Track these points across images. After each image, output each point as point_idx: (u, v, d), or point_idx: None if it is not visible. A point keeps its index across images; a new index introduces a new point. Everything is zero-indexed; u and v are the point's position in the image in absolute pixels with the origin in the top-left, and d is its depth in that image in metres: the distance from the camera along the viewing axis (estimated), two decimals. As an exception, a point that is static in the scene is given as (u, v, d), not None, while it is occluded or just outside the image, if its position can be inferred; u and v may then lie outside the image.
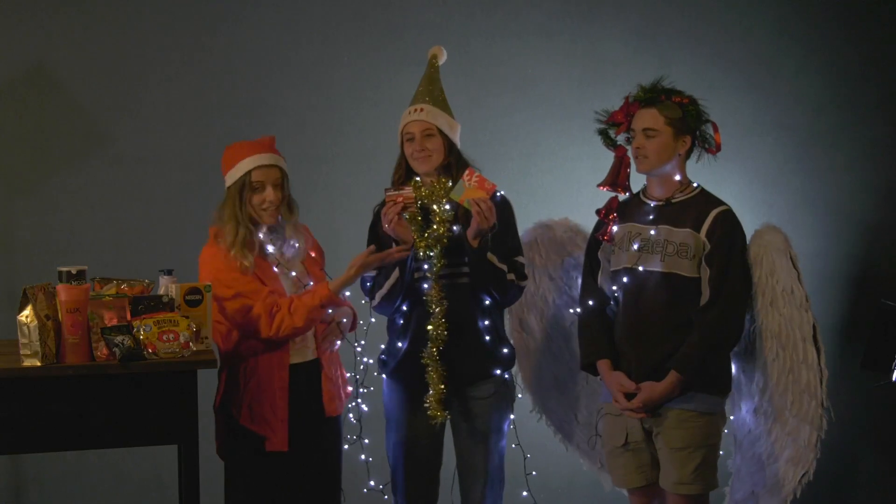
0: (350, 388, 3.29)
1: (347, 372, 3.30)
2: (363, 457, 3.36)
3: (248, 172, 3.06)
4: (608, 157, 3.31)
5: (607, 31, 4.35)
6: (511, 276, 3.18)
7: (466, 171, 3.09)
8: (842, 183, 4.59)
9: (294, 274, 3.13)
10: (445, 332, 3.11)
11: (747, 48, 4.47)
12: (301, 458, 3.10)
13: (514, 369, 3.58)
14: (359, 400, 3.34)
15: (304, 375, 3.10)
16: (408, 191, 3.10)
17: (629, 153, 3.24)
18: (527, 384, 3.61)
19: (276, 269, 3.10)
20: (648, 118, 3.15)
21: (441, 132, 3.19)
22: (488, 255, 3.11)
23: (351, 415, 3.35)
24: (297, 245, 3.15)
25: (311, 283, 3.13)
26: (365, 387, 3.34)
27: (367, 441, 3.36)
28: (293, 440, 3.07)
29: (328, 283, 3.07)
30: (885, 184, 4.64)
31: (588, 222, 3.44)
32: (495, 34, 4.22)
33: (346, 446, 3.29)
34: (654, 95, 3.19)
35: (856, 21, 4.59)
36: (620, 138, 3.29)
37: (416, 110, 3.21)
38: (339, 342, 3.20)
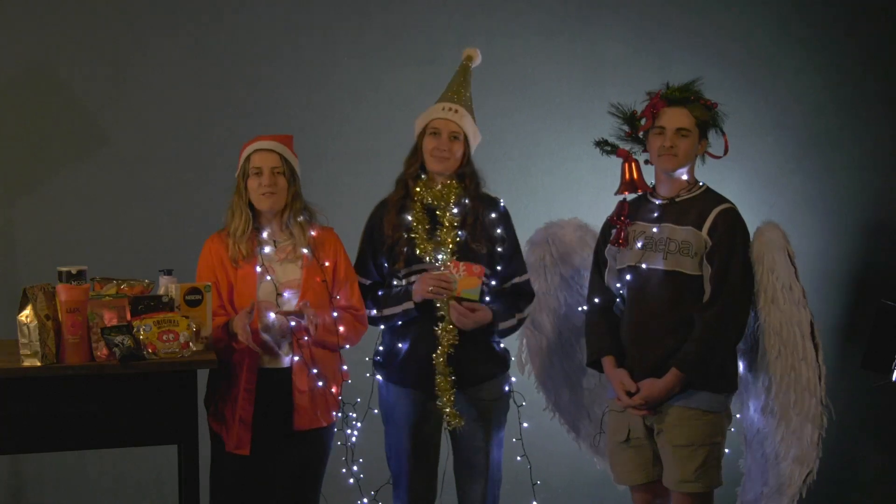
0: (336, 414, 3.16)
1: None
2: (351, 480, 3.32)
3: (248, 157, 3.09)
4: (608, 157, 3.31)
5: (607, 31, 4.35)
6: (521, 317, 3.24)
7: (452, 265, 3.11)
8: (842, 183, 4.59)
9: (269, 279, 3.05)
10: (456, 338, 3.12)
11: (747, 48, 4.48)
12: (268, 466, 3.04)
13: (528, 368, 3.61)
14: (351, 427, 3.30)
15: (275, 382, 3.02)
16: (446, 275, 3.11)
17: (632, 152, 3.25)
18: (539, 382, 3.62)
19: (258, 269, 3.06)
20: (682, 118, 3.15)
21: (465, 139, 3.19)
22: (499, 326, 3.17)
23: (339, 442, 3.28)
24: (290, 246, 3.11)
25: (289, 295, 3.05)
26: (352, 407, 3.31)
27: (360, 461, 3.34)
28: (257, 447, 3.00)
29: (232, 319, 2.97)
30: (885, 184, 4.64)
31: (595, 222, 3.45)
32: (495, 34, 4.22)
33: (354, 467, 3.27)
34: (686, 95, 3.18)
35: (856, 21, 4.59)
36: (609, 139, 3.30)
37: (450, 109, 3.19)
38: (290, 353, 3.04)
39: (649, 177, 3.29)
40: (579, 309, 3.51)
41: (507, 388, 3.28)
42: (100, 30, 3.90)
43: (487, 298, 3.19)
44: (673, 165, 3.17)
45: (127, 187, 3.94)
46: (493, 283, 3.22)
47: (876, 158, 4.63)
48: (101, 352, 2.74)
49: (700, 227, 3.13)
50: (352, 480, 3.32)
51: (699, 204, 3.17)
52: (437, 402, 3.15)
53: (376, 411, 3.30)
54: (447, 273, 3.10)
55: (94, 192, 3.91)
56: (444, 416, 3.15)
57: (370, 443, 3.36)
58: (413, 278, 3.17)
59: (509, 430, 3.32)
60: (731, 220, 3.14)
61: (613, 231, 3.26)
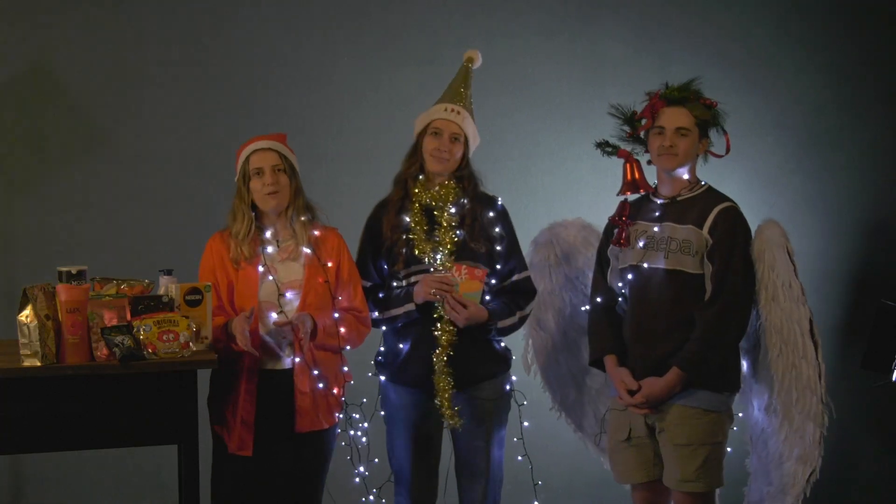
0: (338, 415, 3.14)
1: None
2: (357, 479, 3.31)
3: (248, 158, 3.08)
4: (608, 157, 3.31)
5: (607, 31, 4.35)
6: (523, 314, 3.24)
7: (454, 268, 3.12)
8: (842, 183, 4.59)
9: (271, 278, 3.04)
10: (455, 337, 3.12)
11: (747, 48, 4.48)
12: (269, 468, 3.03)
13: (534, 368, 3.61)
14: (353, 431, 3.29)
15: (276, 383, 3.01)
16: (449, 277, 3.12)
17: (633, 153, 3.26)
18: (545, 382, 3.62)
19: (260, 269, 3.05)
20: (681, 117, 3.16)
21: (466, 141, 3.19)
22: (499, 324, 3.17)
23: (344, 442, 3.26)
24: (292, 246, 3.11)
25: (291, 296, 3.04)
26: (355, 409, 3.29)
27: (375, 462, 3.34)
28: (260, 448, 3.00)
29: (231, 321, 2.96)
30: (885, 184, 4.64)
31: (596, 222, 3.44)
32: (495, 34, 4.22)
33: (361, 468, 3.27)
34: (685, 95, 3.19)
35: (856, 21, 4.59)
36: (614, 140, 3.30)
37: (453, 110, 3.19)
38: (292, 355, 3.04)
39: (651, 177, 3.29)
40: (583, 309, 3.51)
41: (507, 388, 3.28)
42: (100, 30, 3.90)
43: (488, 298, 3.19)
44: (673, 165, 3.18)
45: (127, 187, 3.94)
46: (493, 281, 3.22)
47: (876, 158, 4.63)
48: (101, 352, 2.74)
49: (701, 226, 3.13)
50: (358, 480, 3.31)
51: (700, 203, 3.17)
52: (436, 402, 3.15)
53: (383, 413, 3.30)
54: (449, 276, 3.11)
55: (94, 192, 3.91)
56: (443, 416, 3.16)
57: (372, 440, 3.35)
58: (413, 279, 3.17)
59: (510, 430, 3.32)
60: (732, 219, 3.14)
61: (615, 231, 3.26)
